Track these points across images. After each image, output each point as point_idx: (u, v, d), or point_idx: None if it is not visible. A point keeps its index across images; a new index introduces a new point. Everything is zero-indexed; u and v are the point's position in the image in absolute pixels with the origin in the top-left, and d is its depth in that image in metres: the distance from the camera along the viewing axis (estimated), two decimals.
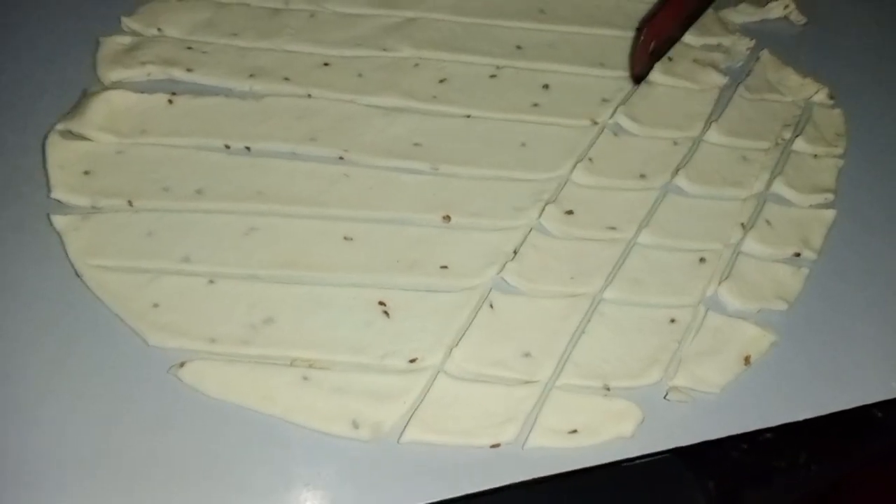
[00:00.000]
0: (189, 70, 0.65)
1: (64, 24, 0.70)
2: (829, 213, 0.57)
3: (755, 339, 0.50)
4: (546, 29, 0.69)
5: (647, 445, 0.46)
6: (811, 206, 0.58)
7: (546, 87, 0.65)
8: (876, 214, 0.58)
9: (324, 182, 0.58)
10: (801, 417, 0.48)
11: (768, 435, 0.47)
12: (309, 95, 0.63)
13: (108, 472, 0.44)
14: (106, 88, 0.63)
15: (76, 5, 0.71)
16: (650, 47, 0.63)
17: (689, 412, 0.47)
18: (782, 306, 0.52)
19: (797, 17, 0.72)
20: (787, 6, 0.71)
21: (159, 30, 0.68)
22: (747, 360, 0.49)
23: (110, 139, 0.59)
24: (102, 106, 0.61)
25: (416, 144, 0.60)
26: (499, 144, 0.60)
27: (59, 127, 0.59)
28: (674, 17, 0.66)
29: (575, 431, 0.46)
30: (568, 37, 0.69)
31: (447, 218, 0.56)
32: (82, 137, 0.59)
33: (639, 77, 0.64)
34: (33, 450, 0.45)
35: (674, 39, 0.67)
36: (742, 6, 0.73)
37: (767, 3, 0.72)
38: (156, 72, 0.65)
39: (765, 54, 0.68)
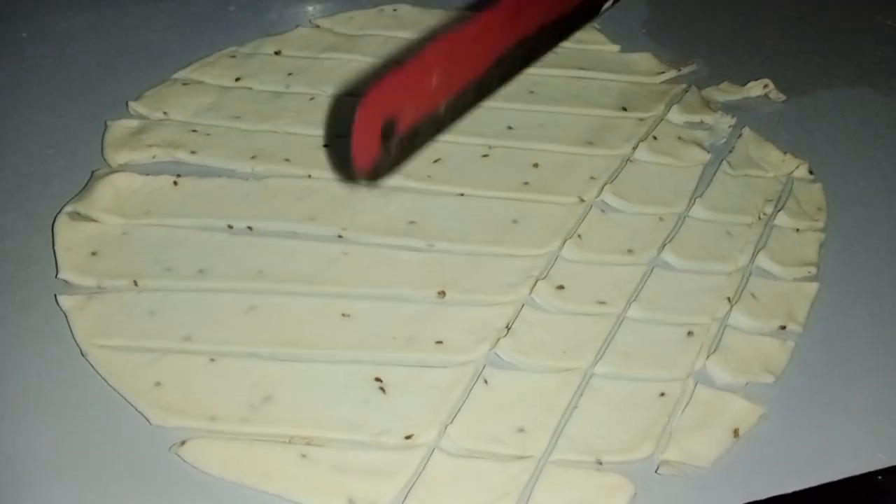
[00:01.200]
0: (193, 152, 0.67)
1: (73, 108, 0.73)
2: (813, 287, 0.59)
3: (744, 412, 0.51)
4: (535, 110, 0.72)
5: None
6: (795, 279, 0.60)
7: (536, 165, 0.67)
8: (857, 286, 0.60)
9: (323, 260, 0.59)
10: (791, 489, 0.49)
11: None
12: (309, 176, 0.66)
13: None
14: (113, 171, 0.65)
15: (85, 91, 0.75)
16: (380, 127, 0.41)
17: (680, 486, 0.48)
18: (769, 379, 0.53)
19: (776, 96, 0.75)
20: (766, 85, 0.75)
21: (165, 113, 0.71)
22: (736, 432, 0.50)
23: (116, 220, 0.61)
24: (109, 188, 0.63)
25: (411, 222, 0.62)
26: (491, 222, 0.62)
27: (68, 209, 0.62)
28: (428, 86, 0.43)
29: None
30: (556, 117, 0.72)
31: (442, 294, 0.58)
32: (90, 219, 0.61)
33: (371, 173, 0.42)
34: None
35: (442, 123, 0.46)
36: (724, 85, 0.76)
37: (748, 82, 0.75)
38: (161, 154, 0.67)
39: (746, 131, 0.71)
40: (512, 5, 0.46)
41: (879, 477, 0.49)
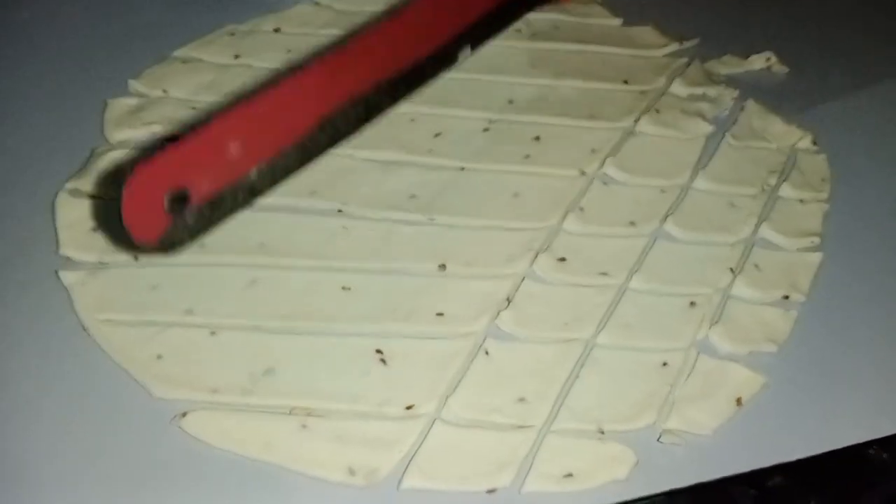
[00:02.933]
0: None
1: (73, 87, 0.73)
2: (816, 257, 0.58)
3: (746, 381, 0.51)
4: (536, 83, 0.72)
5: (642, 488, 0.46)
6: (798, 249, 0.59)
7: (537, 139, 0.67)
8: (860, 257, 0.59)
9: (323, 234, 0.59)
10: (793, 457, 0.48)
11: (765, 476, 0.48)
12: None
13: None
14: (113, 148, 0.65)
15: (85, 70, 0.74)
16: (163, 200, 0.40)
17: (683, 454, 0.48)
18: (772, 348, 0.53)
19: (779, 68, 0.74)
20: (768, 59, 0.74)
21: (164, 91, 0.71)
22: (739, 401, 0.50)
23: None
24: (109, 165, 0.63)
25: (412, 196, 0.62)
26: (492, 195, 0.62)
27: (69, 186, 0.62)
28: (225, 156, 0.42)
29: (570, 475, 0.47)
30: (557, 90, 0.71)
31: (443, 267, 0.58)
32: (90, 196, 0.61)
33: (161, 244, 0.42)
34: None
35: (257, 188, 0.45)
36: (726, 58, 0.75)
37: (750, 55, 0.75)
38: (161, 131, 0.67)
39: (749, 103, 0.70)
40: (323, 72, 0.45)
41: (871, 450, 0.49)
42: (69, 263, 0.58)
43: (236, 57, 0.75)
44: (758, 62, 0.74)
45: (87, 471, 0.47)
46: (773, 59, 0.74)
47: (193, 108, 0.70)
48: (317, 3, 0.81)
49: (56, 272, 0.57)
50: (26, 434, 0.49)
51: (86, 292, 0.56)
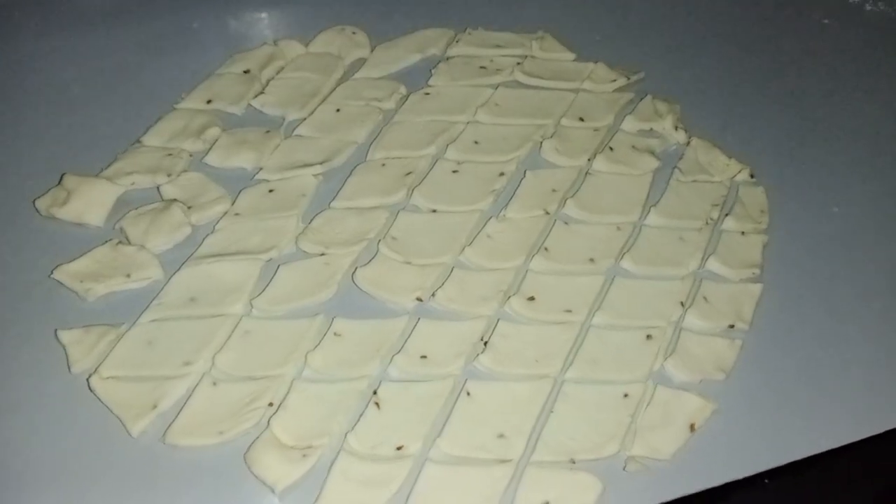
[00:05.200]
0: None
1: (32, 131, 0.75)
2: (757, 287, 0.65)
3: (699, 408, 0.57)
4: (500, 123, 0.76)
5: None
6: (741, 280, 0.65)
7: (502, 174, 0.72)
8: (799, 284, 0.65)
9: (309, 279, 0.64)
10: (741, 476, 0.55)
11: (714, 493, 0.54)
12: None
13: None
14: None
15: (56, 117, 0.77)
16: None
17: (645, 479, 0.54)
18: (720, 376, 0.59)
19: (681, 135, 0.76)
20: (677, 126, 0.77)
21: (139, 142, 0.74)
22: (692, 427, 0.56)
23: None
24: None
25: (394, 238, 0.66)
26: (463, 237, 0.67)
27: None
28: None
29: (547, 503, 0.52)
30: (519, 129, 0.76)
31: (419, 299, 0.62)
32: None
33: None
34: None
35: None
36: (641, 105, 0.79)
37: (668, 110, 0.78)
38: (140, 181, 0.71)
39: (695, 139, 0.76)
40: None
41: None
42: (66, 322, 0.61)
43: (208, 102, 0.78)
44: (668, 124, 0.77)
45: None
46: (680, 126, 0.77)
47: (169, 154, 0.73)
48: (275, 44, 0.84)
49: (55, 331, 0.60)
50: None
51: (81, 350, 0.59)
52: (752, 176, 0.73)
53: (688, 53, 0.86)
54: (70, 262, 0.65)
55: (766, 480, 0.54)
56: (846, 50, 0.87)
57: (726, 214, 0.69)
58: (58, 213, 0.69)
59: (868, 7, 0.91)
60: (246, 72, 0.81)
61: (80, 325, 0.61)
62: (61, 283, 0.64)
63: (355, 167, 0.72)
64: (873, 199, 0.72)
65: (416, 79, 0.81)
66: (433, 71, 0.82)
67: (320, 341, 0.60)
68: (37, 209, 0.69)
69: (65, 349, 0.59)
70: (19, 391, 0.58)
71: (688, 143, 0.75)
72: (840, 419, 0.57)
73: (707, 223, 0.69)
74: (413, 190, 0.70)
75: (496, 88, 0.80)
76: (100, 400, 0.57)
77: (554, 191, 0.70)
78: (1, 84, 0.82)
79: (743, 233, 0.68)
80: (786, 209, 0.71)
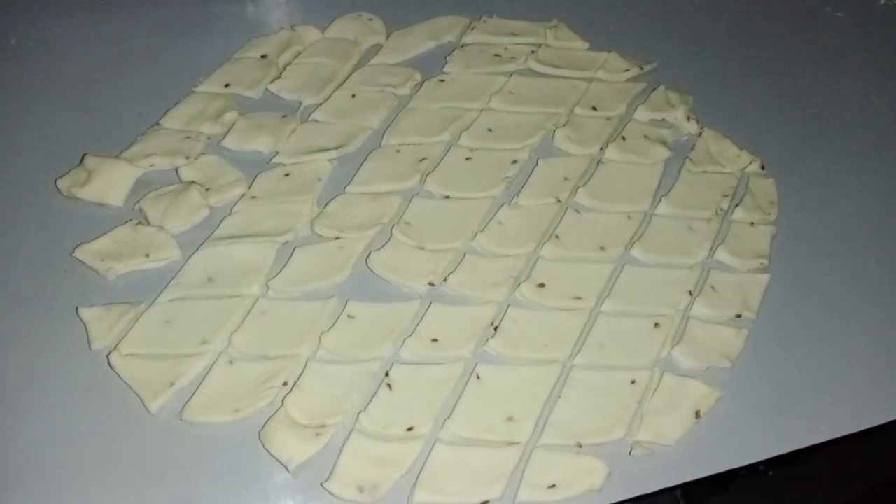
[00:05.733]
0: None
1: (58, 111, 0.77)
2: (765, 278, 0.65)
3: (704, 395, 0.58)
4: (514, 111, 0.77)
5: (614, 496, 0.53)
6: (749, 270, 0.66)
7: (514, 162, 0.73)
8: (806, 275, 0.66)
9: (324, 262, 0.65)
10: (744, 463, 0.56)
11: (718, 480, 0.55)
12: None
13: None
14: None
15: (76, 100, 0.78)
16: None
17: (650, 464, 0.55)
18: (726, 364, 0.60)
19: (693, 125, 0.77)
20: (689, 117, 0.77)
21: (158, 125, 0.76)
22: (698, 414, 0.57)
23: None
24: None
25: (407, 223, 0.67)
26: (475, 223, 0.68)
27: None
28: None
29: (554, 486, 0.53)
30: (532, 118, 0.76)
31: (431, 284, 0.63)
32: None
33: None
34: None
35: None
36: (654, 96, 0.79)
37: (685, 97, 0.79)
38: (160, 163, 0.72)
39: (706, 130, 0.76)
40: None
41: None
42: (87, 299, 0.63)
43: (226, 86, 0.79)
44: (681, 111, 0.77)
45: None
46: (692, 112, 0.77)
47: (188, 136, 0.75)
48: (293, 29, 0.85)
49: (76, 308, 0.61)
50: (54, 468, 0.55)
51: (102, 327, 0.61)
52: (762, 167, 0.74)
53: (701, 45, 0.87)
54: (91, 241, 0.66)
55: (770, 472, 0.55)
56: (859, 44, 0.87)
57: (736, 205, 0.70)
58: (79, 192, 0.70)
59: (882, 1, 0.91)
60: (263, 56, 0.82)
61: (101, 304, 0.62)
62: (82, 262, 0.65)
63: (370, 153, 0.74)
64: (882, 194, 0.73)
65: (431, 66, 0.82)
66: (448, 58, 0.82)
67: (334, 323, 0.61)
68: (58, 189, 0.71)
69: (85, 326, 0.61)
70: (41, 367, 0.60)
71: (699, 134, 0.76)
72: (842, 410, 0.58)
73: (717, 213, 0.70)
74: (427, 176, 0.71)
75: (510, 76, 0.80)
76: (119, 377, 0.58)
77: (566, 179, 0.71)
78: (24, 65, 0.83)
79: (752, 223, 0.69)
80: (795, 201, 0.72)
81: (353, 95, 0.79)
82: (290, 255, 0.65)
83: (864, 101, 0.81)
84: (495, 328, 0.61)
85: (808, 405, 0.59)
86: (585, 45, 0.85)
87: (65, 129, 0.76)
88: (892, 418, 0.58)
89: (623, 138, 0.75)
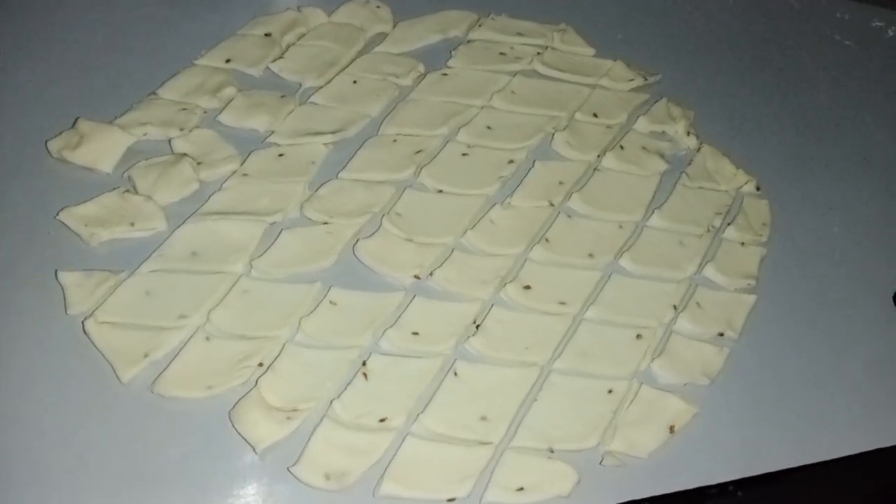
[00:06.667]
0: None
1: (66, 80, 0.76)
2: (751, 298, 0.65)
3: (680, 410, 0.58)
4: (514, 111, 0.77)
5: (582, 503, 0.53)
6: (735, 290, 0.66)
7: (511, 162, 0.72)
8: (791, 300, 0.66)
9: (310, 246, 0.64)
10: (715, 482, 0.55)
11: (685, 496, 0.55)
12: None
13: None
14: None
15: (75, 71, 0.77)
16: None
17: (620, 475, 0.55)
18: (705, 381, 0.60)
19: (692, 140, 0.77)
20: (689, 132, 0.77)
21: (154, 94, 0.75)
22: (672, 429, 0.57)
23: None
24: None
25: (398, 214, 0.67)
26: (467, 220, 0.67)
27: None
28: None
29: (522, 489, 0.53)
30: (532, 119, 0.76)
31: (417, 277, 0.63)
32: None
33: None
34: None
35: None
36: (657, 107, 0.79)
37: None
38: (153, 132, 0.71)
39: (705, 146, 0.76)
40: None
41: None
42: (67, 263, 0.62)
43: (227, 61, 0.79)
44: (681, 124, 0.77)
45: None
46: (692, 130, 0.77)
47: (184, 108, 0.74)
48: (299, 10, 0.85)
49: (55, 272, 0.61)
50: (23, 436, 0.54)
51: (81, 293, 0.60)
52: (757, 188, 0.73)
53: (707, 61, 0.86)
54: (77, 205, 0.65)
55: (739, 492, 0.55)
56: (864, 73, 0.87)
57: (728, 223, 0.70)
58: (69, 156, 0.69)
59: (891, 32, 0.91)
60: (267, 35, 0.81)
61: (81, 269, 0.62)
62: (66, 226, 0.65)
63: (366, 140, 0.73)
64: (875, 224, 0.73)
65: (435, 58, 0.82)
66: (453, 52, 0.82)
67: (316, 308, 0.60)
68: (48, 150, 0.70)
69: (63, 291, 0.60)
70: (14, 328, 0.59)
71: (698, 150, 0.76)
72: (818, 436, 0.58)
73: (708, 230, 0.69)
74: (421, 168, 0.71)
75: (514, 76, 0.80)
76: (93, 344, 0.58)
77: (561, 183, 0.71)
78: (27, 23, 0.82)
79: (743, 243, 0.69)
80: (788, 224, 0.72)
81: (355, 82, 0.78)
82: (277, 237, 0.65)
83: (866, 131, 0.81)
84: (477, 326, 0.61)
85: (785, 429, 0.58)
86: (592, 51, 0.84)
87: (60, 91, 0.76)
88: (867, 448, 0.58)
89: (621, 147, 0.74)
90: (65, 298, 0.60)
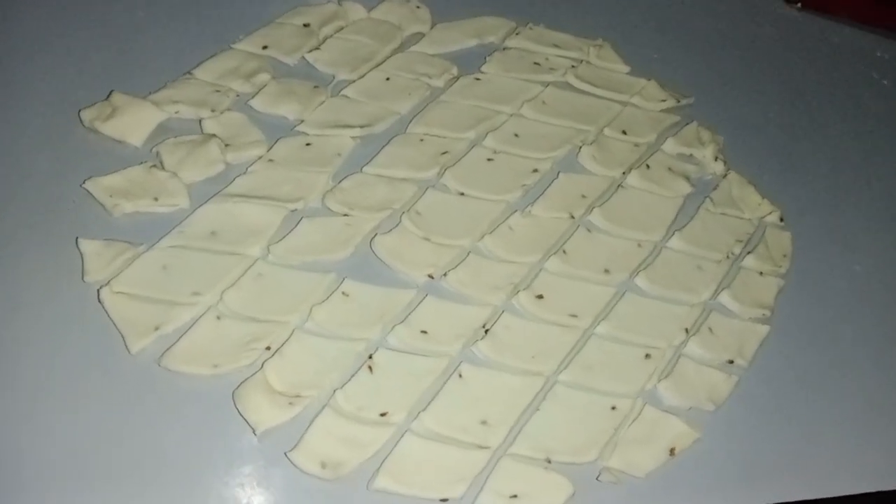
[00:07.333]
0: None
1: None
2: (764, 328, 0.65)
3: (682, 434, 0.57)
4: (543, 121, 0.77)
5: None
6: (750, 319, 0.65)
7: (535, 171, 0.72)
8: (805, 334, 0.65)
9: (329, 237, 0.65)
10: None
11: None
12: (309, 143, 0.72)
13: None
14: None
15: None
16: None
17: (615, 492, 0.54)
18: (710, 407, 0.59)
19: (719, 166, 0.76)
20: (717, 157, 0.77)
21: (189, 73, 0.76)
22: (672, 451, 0.57)
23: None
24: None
25: (418, 213, 0.67)
26: (486, 224, 0.67)
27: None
28: None
29: (515, 496, 0.53)
30: (560, 131, 0.76)
31: (430, 276, 0.63)
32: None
33: None
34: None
35: None
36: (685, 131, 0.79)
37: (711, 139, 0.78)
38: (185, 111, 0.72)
39: (732, 173, 0.76)
40: None
41: None
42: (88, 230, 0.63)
43: (264, 48, 0.79)
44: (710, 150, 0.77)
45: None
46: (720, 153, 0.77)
47: (217, 90, 0.75)
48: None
49: (76, 239, 0.62)
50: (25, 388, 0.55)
51: (100, 261, 0.61)
52: (781, 220, 0.73)
53: (741, 89, 0.86)
54: (103, 176, 0.66)
55: None
56: None
57: (748, 252, 0.69)
58: (100, 127, 0.70)
59: None
60: (306, 25, 0.82)
61: (102, 239, 0.62)
62: (91, 195, 0.65)
63: (393, 137, 0.73)
64: None
65: (469, 62, 0.82)
66: (488, 58, 0.82)
67: (328, 298, 0.61)
68: (81, 120, 0.71)
69: (82, 258, 0.61)
70: (31, 290, 0.60)
71: (724, 176, 0.75)
72: (818, 474, 0.58)
73: (728, 257, 0.69)
74: (446, 170, 0.71)
75: (546, 87, 0.80)
76: (106, 313, 0.58)
77: (583, 196, 0.71)
78: None
79: (761, 273, 0.68)
80: (808, 259, 0.71)
81: (388, 79, 0.78)
82: (297, 224, 0.65)
83: None
84: (486, 331, 0.61)
85: (785, 463, 0.58)
86: (626, 68, 0.84)
87: (98, 64, 0.77)
88: (865, 490, 0.57)
89: (647, 167, 0.74)
90: (83, 265, 0.61)
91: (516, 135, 0.75)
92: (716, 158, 0.76)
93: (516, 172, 0.72)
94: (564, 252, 0.66)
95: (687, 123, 0.79)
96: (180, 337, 0.58)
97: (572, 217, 0.69)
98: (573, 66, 0.82)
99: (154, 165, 0.68)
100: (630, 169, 0.74)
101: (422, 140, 0.73)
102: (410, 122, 0.75)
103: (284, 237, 0.64)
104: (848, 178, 0.79)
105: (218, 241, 0.63)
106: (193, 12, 0.83)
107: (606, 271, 0.66)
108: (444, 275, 0.64)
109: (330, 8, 0.84)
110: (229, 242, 0.63)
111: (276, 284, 0.61)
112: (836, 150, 0.81)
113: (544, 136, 0.75)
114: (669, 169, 0.75)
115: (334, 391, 0.56)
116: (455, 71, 0.80)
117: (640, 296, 0.65)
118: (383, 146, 0.72)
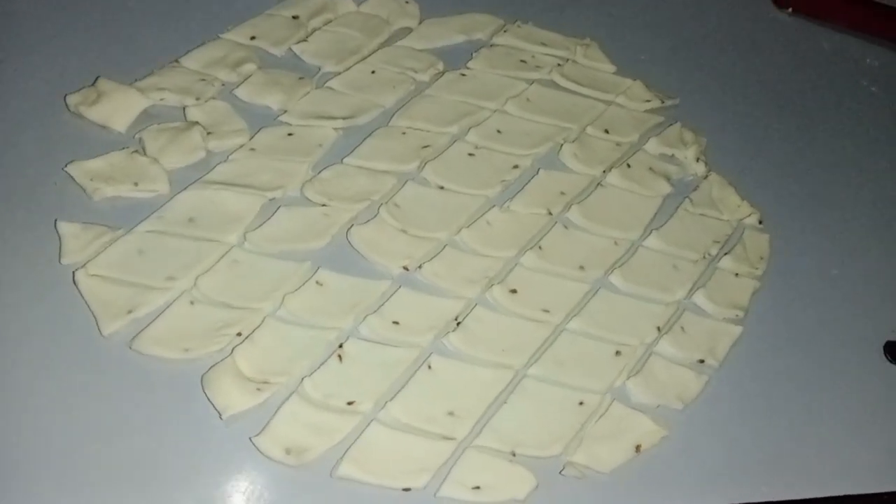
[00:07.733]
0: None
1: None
2: (737, 329, 0.65)
3: (649, 431, 0.57)
4: (526, 118, 0.77)
5: None
6: (723, 319, 0.65)
7: (516, 167, 0.72)
8: (778, 337, 0.66)
9: (306, 226, 0.65)
10: None
11: None
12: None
13: None
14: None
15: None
16: None
17: (578, 486, 0.55)
18: (679, 406, 0.60)
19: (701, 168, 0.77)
20: (698, 158, 0.77)
21: (176, 61, 0.76)
22: (638, 448, 0.57)
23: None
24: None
25: (396, 205, 0.67)
26: (464, 219, 0.68)
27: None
28: None
29: (478, 487, 0.53)
30: (543, 128, 0.76)
31: (405, 268, 0.63)
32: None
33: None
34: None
35: None
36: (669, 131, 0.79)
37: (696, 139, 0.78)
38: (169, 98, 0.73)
39: (713, 174, 0.76)
40: None
41: None
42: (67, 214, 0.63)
43: (252, 38, 0.80)
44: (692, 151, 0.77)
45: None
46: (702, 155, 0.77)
47: (203, 79, 0.75)
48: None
49: (55, 221, 0.62)
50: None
51: (77, 244, 0.61)
52: (760, 222, 0.73)
53: (726, 91, 0.86)
54: (85, 160, 0.67)
55: None
56: (885, 120, 0.86)
57: (725, 253, 0.70)
58: (85, 111, 0.71)
59: None
60: (295, 17, 0.83)
61: (81, 222, 0.63)
62: (72, 178, 0.66)
63: (376, 130, 0.74)
64: (873, 272, 0.72)
65: (455, 58, 0.82)
66: (474, 54, 0.82)
67: (301, 286, 0.61)
68: (66, 104, 0.71)
69: (60, 240, 0.62)
70: (8, 270, 0.60)
71: (705, 177, 0.76)
72: (784, 476, 0.58)
73: (704, 257, 0.69)
74: (426, 163, 0.71)
75: (531, 84, 0.80)
76: (80, 294, 0.59)
77: (562, 193, 0.71)
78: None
79: (737, 274, 0.69)
80: (786, 262, 0.71)
81: (373, 72, 0.79)
82: (274, 212, 0.66)
83: (878, 179, 0.80)
84: (458, 323, 0.61)
85: (750, 464, 0.58)
86: (612, 68, 0.84)
87: (85, 50, 0.77)
88: (832, 493, 0.57)
89: (628, 166, 0.74)
90: (60, 247, 0.61)
91: (499, 131, 0.75)
92: (697, 159, 0.77)
93: (497, 168, 0.72)
94: (540, 248, 0.67)
95: (671, 124, 0.79)
96: (153, 321, 0.58)
97: (550, 213, 0.69)
98: (559, 65, 0.83)
99: (136, 151, 0.68)
100: (610, 167, 0.74)
101: (404, 133, 0.73)
102: (394, 115, 0.75)
103: (261, 225, 0.65)
104: (830, 183, 0.79)
105: (195, 228, 0.64)
106: (183, 1, 0.84)
107: (581, 268, 0.66)
108: (420, 267, 0.64)
109: (319, 1, 0.85)
110: (207, 229, 0.64)
111: (250, 271, 0.62)
112: (819, 155, 0.82)
113: (527, 133, 0.76)
114: (650, 169, 0.75)
115: (303, 379, 0.56)
116: (441, 66, 0.81)
117: (613, 293, 0.65)
118: (365, 138, 0.73)
